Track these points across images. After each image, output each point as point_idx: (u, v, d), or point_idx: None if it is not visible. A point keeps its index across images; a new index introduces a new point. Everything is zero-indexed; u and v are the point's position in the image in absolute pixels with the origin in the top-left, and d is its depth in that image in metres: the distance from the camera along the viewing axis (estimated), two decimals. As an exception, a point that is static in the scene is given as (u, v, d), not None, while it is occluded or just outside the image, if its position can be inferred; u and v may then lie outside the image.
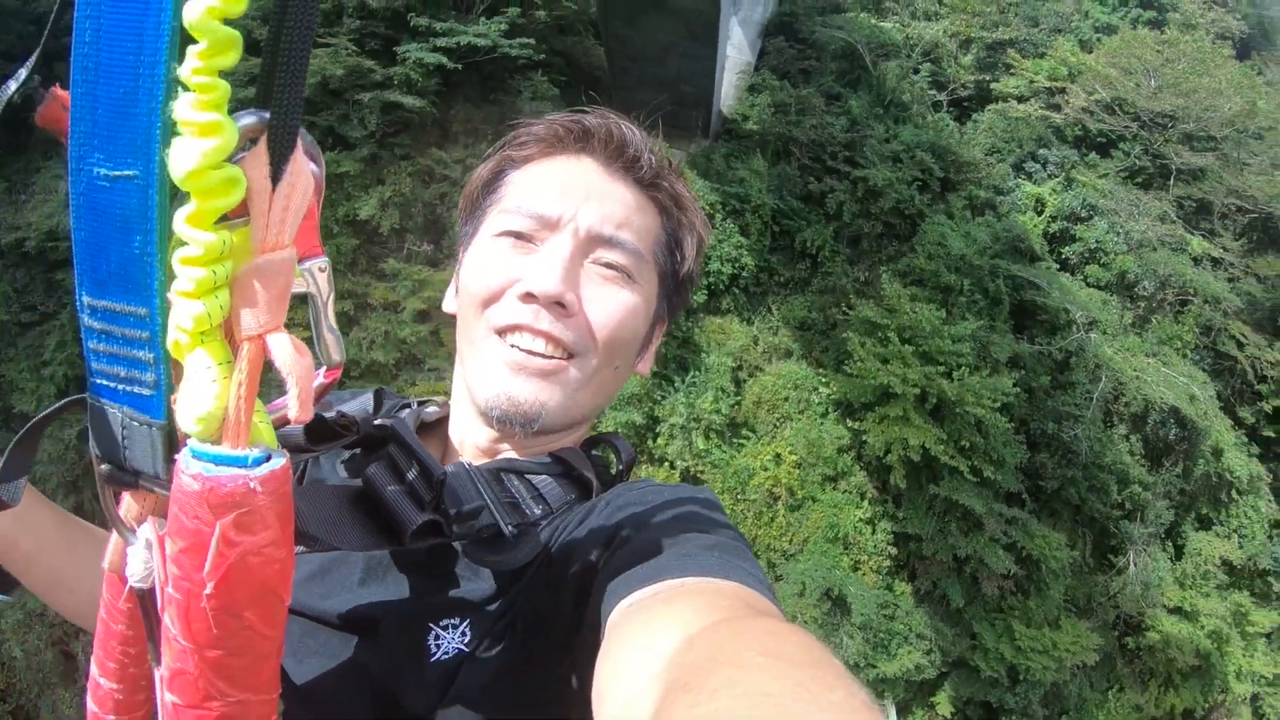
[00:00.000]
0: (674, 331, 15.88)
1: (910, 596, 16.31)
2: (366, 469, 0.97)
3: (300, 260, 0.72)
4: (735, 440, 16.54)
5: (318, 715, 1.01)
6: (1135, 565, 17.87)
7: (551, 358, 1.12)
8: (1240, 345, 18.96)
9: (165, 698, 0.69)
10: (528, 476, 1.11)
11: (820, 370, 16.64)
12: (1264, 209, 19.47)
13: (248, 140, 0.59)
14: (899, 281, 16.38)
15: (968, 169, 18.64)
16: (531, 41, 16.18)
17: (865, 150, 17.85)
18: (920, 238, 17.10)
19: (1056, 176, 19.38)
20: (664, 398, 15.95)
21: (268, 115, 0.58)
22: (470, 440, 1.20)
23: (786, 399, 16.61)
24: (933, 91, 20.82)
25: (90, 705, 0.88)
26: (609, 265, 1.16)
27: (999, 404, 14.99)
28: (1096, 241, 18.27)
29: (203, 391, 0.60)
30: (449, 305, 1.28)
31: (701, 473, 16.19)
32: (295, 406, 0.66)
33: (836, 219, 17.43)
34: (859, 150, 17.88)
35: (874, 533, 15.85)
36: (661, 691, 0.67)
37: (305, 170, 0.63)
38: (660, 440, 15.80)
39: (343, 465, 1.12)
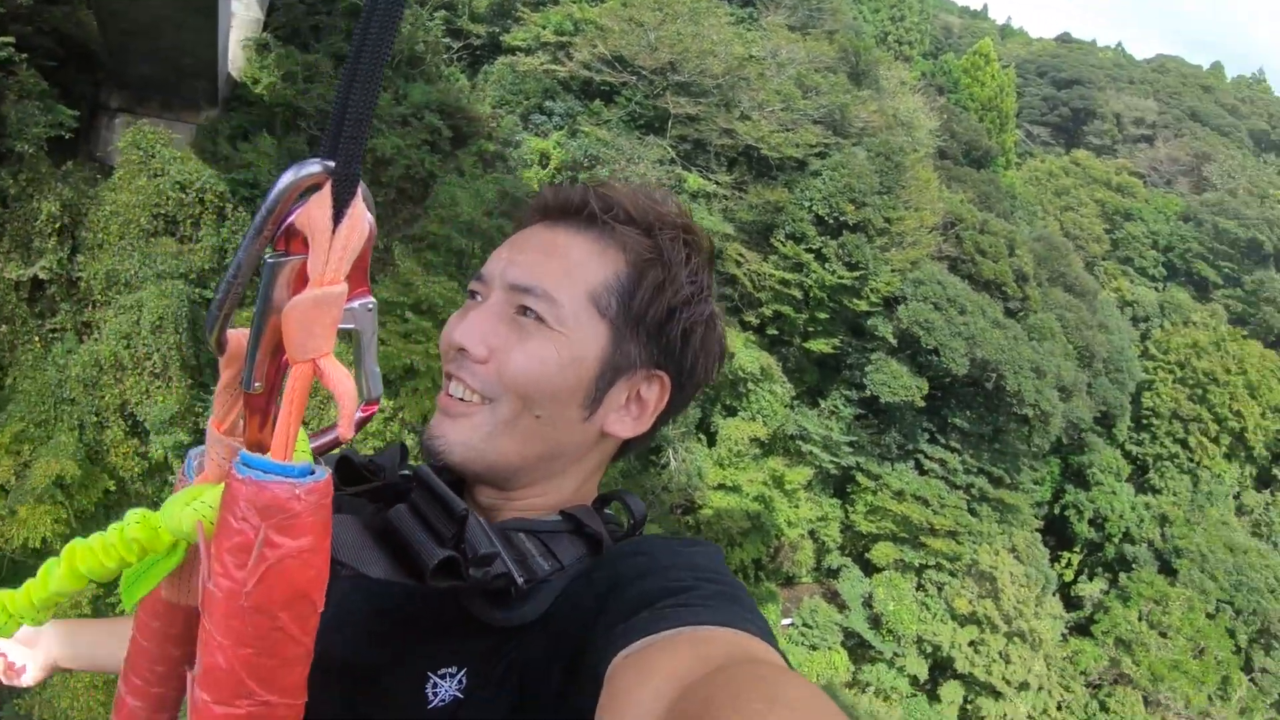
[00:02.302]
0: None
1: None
2: (391, 509, 1.05)
3: (350, 300, 0.80)
4: (284, 440, 17.25)
5: None
6: (675, 460, 20.61)
7: (465, 400, 1.17)
8: (739, 264, 21.94)
9: (196, 694, 0.76)
10: (538, 534, 1.14)
11: (348, 347, 17.66)
12: (751, 145, 22.35)
13: (313, 185, 0.70)
14: (412, 256, 17.47)
15: (478, 124, 20.03)
16: (10, 40, 14.81)
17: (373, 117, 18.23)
18: (432, 200, 18.22)
19: (562, 128, 21.53)
20: (203, 411, 16.13)
21: (333, 164, 0.69)
22: (473, 495, 1.25)
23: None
24: (447, 40, 21.59)
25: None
26: (523, 311, 1.18)
27: (516, 359, 16.79)
28: (598, 188, 20.22)
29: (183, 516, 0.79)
30: None
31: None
32: (343, 425, 0.78)
33: (349, 192, 18.05)
34: (367, 118, 18.33)
35: (430, 492, 17.68)
36: None
37: (364, 215, 0.73)
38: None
39: (367, 513, 1.13)
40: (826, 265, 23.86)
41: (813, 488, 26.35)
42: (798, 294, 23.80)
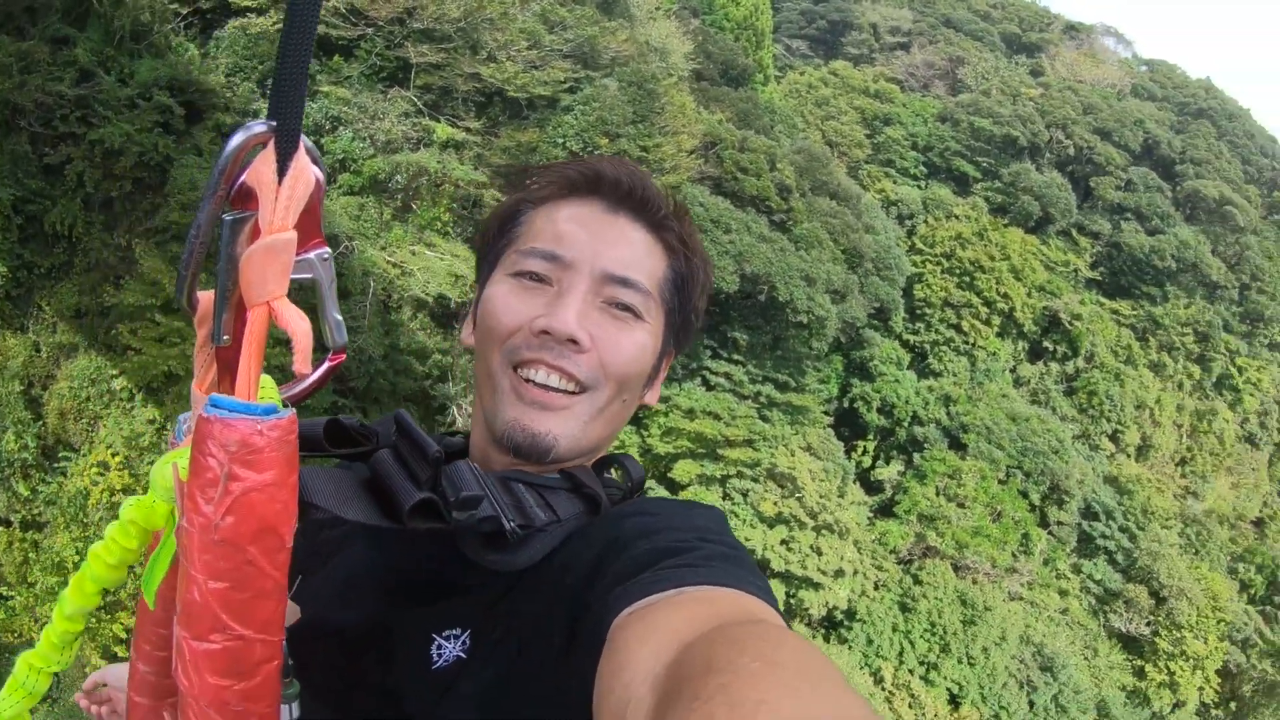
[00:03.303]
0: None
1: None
2: (374, 455, 1.13)
3: (305, 251, 0.87)
4: (57, 466, 16.52)
5: None
6: (460, 416, 21.25)
7: (565, 391, 1.24)
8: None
9: (177, 634, 0.83)
10: (537, 487, 1.20)
11: (111, 355, 16.93)
12: (499, 88, 23.35)
13: (259, 144, 0.79)
14: (156, 252, 16.86)
15: (212, 96, 19.42)
16: None
17: (98, 105, 17.57)
18: (171, 186, 17.69)
19: (301, 91, 20.69)
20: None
21: (275, 123, 0.78)
22: (488, 467, 1.29)
23: (88, 399, 16.75)
24: (175, 5, 20.93)
25: (129, 690, 1.04)
26: (620, 304, 1.27)
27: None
28: (344, 151, 20.77)
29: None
30: (467, 338, 1.43)
31: (39, 514, 16.02)
32: (297, 359, 0.83)
33: (81, 189, 17.43)
34: (92, 106, 17.53)
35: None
36: (658, 698, 0.75)
37: (306, 167, 0.81)
38: (-16, 503, 15.46)
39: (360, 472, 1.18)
40: (585, 202, 24.33)
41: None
42: (560, 234, 24.25)
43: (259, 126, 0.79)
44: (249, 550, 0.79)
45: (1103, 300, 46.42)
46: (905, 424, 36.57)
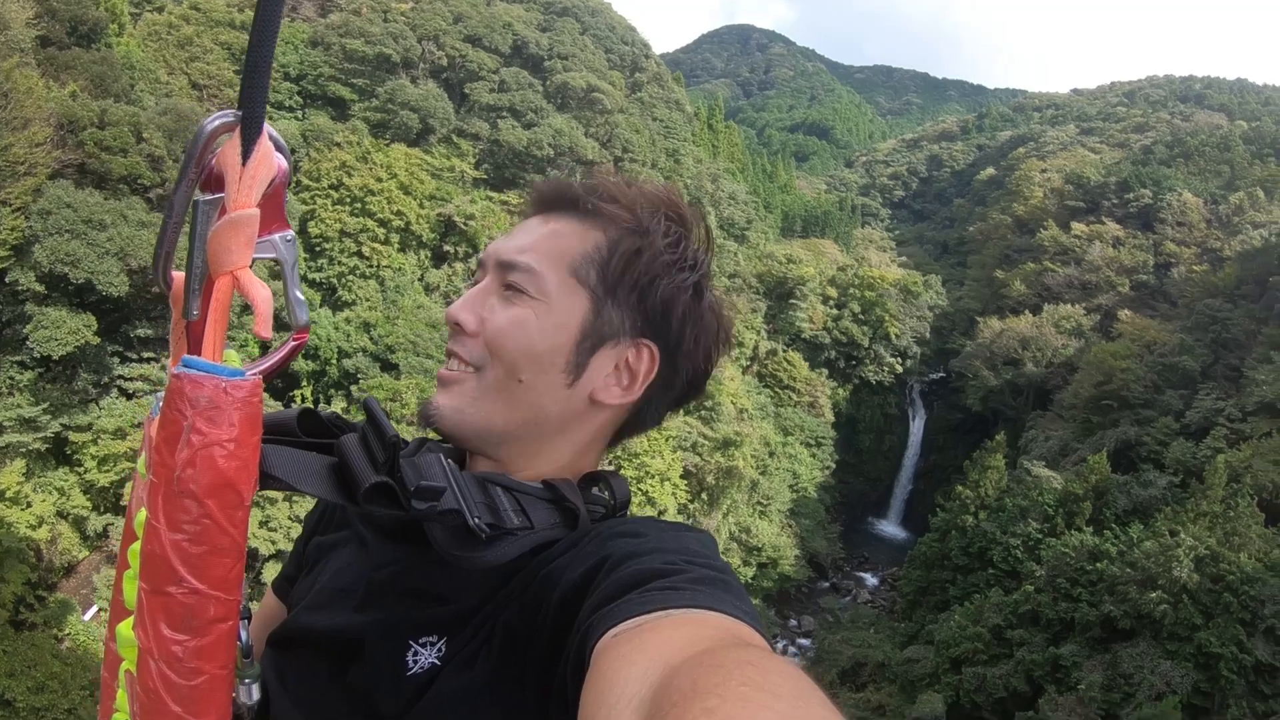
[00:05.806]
0: None
1: None
2: (340, 438, 1.20)
3: (269, 234, 1.00)
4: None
5: None
6: None
7: (457, 371, 1.35)
8: None
9: (140, 586, 0.91)
10: (514, 492, 1.28)
11: None
12: None
13: (227, 131, 0.92)
14: None
15: None
16: None
17: None
18: None
19: None
20: None
21: (240, 112, 0.91)
22: (472, 465, 1.40)
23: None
24: None
25: (103, 669, 1.14)
26: (506, 285, 1.36)
27: None
28: None
29: None
30: None
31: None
32: (258, 324, 0.93)
33: None
34: None
35: None
36: None
37: (269, 152, 0.94)
38: None
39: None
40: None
41: (34, 474, 26.41)
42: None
43: (227, 116, 0.93)
44: (207, 504, 0.88)
45: (492, 195, 51.83)
46: (334, 361, 39.12)
